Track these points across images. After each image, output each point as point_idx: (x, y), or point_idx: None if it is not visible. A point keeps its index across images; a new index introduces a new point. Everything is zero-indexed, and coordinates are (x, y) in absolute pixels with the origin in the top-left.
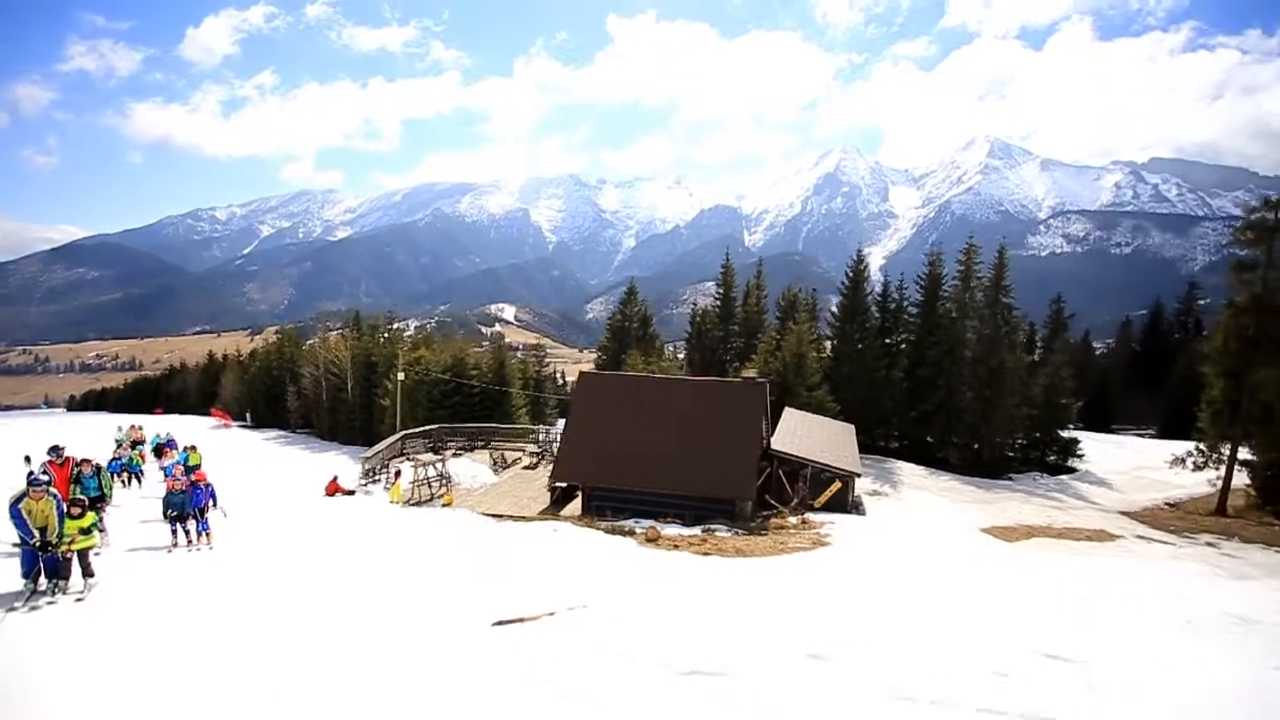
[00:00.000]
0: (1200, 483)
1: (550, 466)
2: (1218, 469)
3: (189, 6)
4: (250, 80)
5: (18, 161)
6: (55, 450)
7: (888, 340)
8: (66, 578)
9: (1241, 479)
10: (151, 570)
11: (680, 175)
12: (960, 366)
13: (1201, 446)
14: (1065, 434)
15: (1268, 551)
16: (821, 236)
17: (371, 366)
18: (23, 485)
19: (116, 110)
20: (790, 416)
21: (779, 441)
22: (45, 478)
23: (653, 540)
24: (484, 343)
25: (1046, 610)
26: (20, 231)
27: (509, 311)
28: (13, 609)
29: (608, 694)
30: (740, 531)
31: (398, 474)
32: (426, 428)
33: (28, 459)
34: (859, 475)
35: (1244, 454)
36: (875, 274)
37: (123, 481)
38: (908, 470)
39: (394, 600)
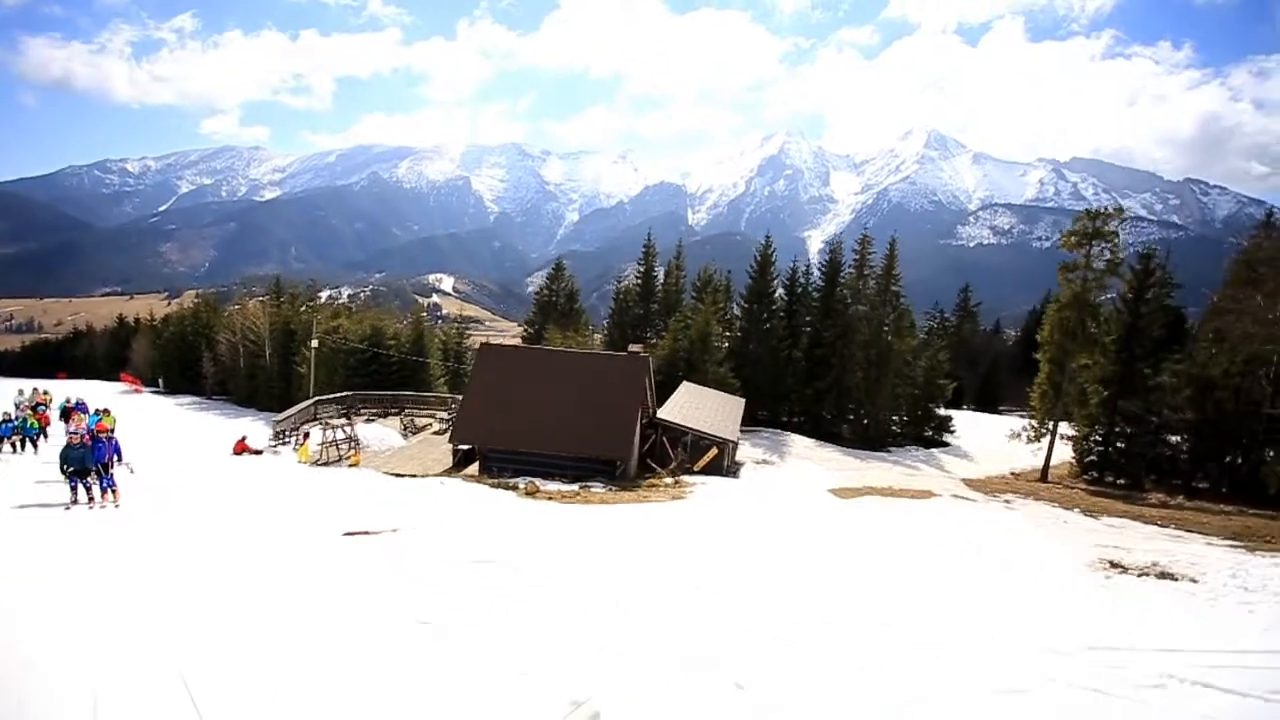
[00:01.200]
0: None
1: None
2: (1040, 442)
3: None
4: (167, 23)
5: None
6: None
7: (792, 322)
8: None
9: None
10: (43, 528)
11: (626, 150)
12: (852, 348)
13: (1032, 423)
14: (942, 412)
15: (1043, 505)
16: (764, 218)
17: (290, 334)
18: None
19: (7, 44)
20: (685, 390)
21: (666, 411)
22: None
23: (531, 494)
24: (422, 313)
25: (840, 543)
26: None
27: (447, 282)
28: None
29: (407, 575)
30: (614, 488)
31: (306, 436)
32: (341, 394)
33: None
34: (734, 443)
35: (1070, 430)
36: (814, 257)
37: (13, 445)
38: (799, 442)
39: (275, 528)
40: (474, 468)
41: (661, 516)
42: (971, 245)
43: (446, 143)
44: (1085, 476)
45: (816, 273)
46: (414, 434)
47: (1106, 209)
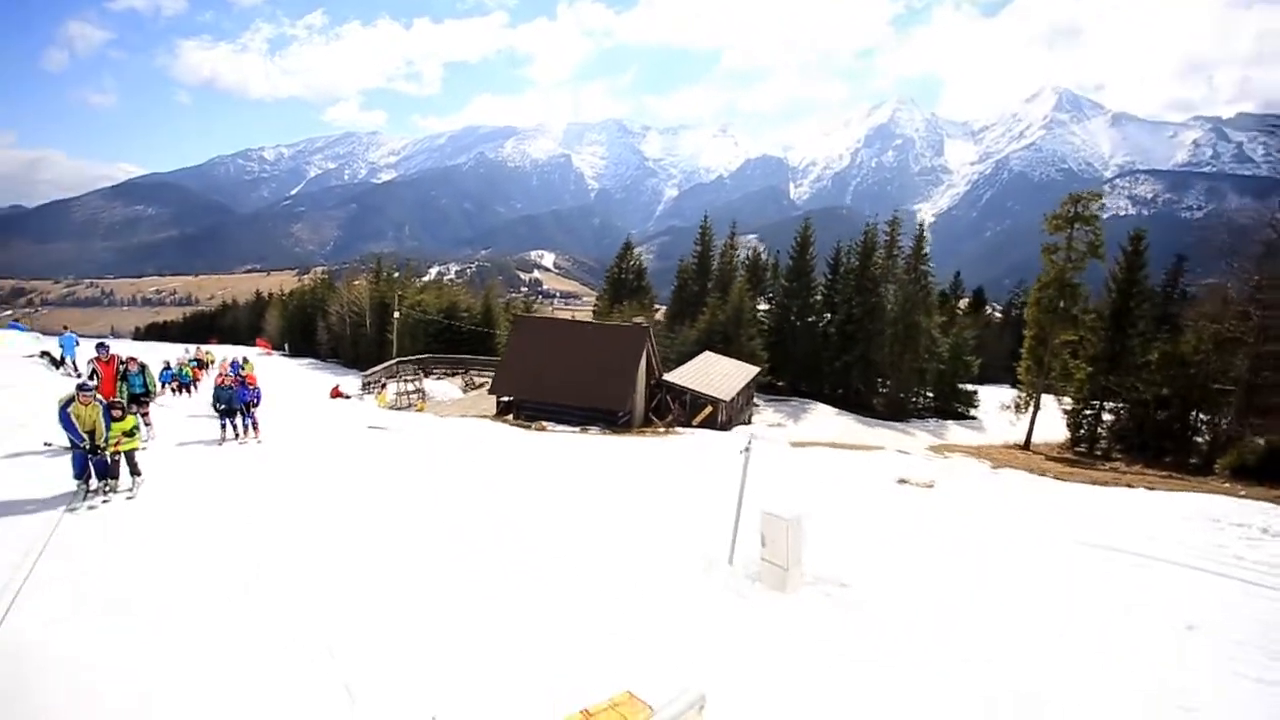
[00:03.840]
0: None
1: None
2: (1027, 413)
3: None
4: (300, 20)
5: (76, 101)
6: (102, 348)
7: (831, 299)
8: (116, 477)
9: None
10: (200, 464)
11: (726, 123)
12: (879, 324)
13: (1022, 395)
14: (969, 388)
15: (983, 463)
16: (870, 190)
17: (385, 307)
18: (72, 390)
19: (167, 49)
20: (702, 357)
21: (673, 374)
22: (93, 383)
23: (540, 430)
24: (522, 289)
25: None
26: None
27: (548, 258)
28: (71, 509)
29: (411, 456)
30: (609, 431)
31: (383, 386)
32: (418, 356)
33: (45, 354)
34: (725, 402)
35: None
36: (926, 231)
37: (172, 390)
38: (821, 410)
39: (347, 438)
40: (510, 416)
41: (620, 447)
42: (1105, 217)
43: (548, 121)
44: (1076, 449)
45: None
46: (472, 389)
47: (1088, 193)
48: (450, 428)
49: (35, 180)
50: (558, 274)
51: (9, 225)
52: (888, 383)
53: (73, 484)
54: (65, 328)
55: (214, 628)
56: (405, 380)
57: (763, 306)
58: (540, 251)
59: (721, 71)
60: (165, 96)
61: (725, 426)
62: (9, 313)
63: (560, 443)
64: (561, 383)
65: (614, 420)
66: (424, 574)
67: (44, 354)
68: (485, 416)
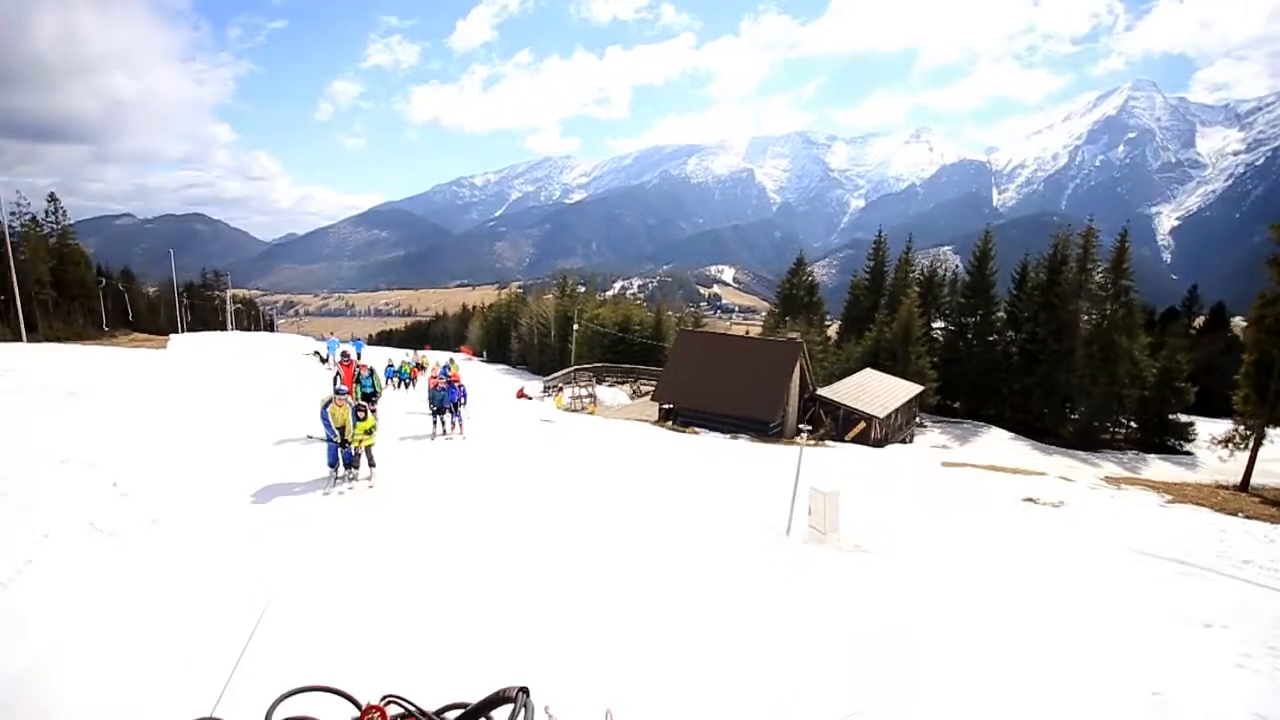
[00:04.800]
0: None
1: None
2: (1244, 448)
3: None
4: (509, 60)
5: (336, 143)
6: (346, 356)
7: (1015, 316)
8: (358, 467)
9: None
10: (418, 457)
11: (919, 129)
12: (1067, 344)
13: (1240, 429)
14: (1183, 419)
15: (1162, 496)
16: (1093, 193)
17: (567, 320)
18: (330, 393)
19: (403, 96)
20: (863, 374)
21: (828, 389)
22: (344, 389)
23: (692, 434)
24: (701, 303)
25: (913, 489)
26: (338, 200)
27: (728, 273)
28: (326, 493)
29: (575, 447)
30: (757, 440)
31: (560, 390)
32: (593, 365)
33: (315, 353)
34: (879, 418)
35: None
36: (1164, 238)
37: (393, 385)
38: (994, 434)
39: (527, 432)
40: (669, 422)
41: (756, 453)
42: None
43: (731, 137)
44: None
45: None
46: (639, 397)
47: None
48: (609, 427)
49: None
50: (737, 288)
51: (284, 251)
52: (1078, 409)
53: (325, 470)
54: (332, 333)
55: (431, 582)
56: (580, 386)
57: (938, 324)
58: (720, 266)
59: (914, 74)
60: (400, 135)
61: (879, 443)
62: (284, 321)
63: (704, 445)
64: (717, 392)
65: (764, 430)
66: (582, 528)
67: (315, 353)
68: (646, 421)
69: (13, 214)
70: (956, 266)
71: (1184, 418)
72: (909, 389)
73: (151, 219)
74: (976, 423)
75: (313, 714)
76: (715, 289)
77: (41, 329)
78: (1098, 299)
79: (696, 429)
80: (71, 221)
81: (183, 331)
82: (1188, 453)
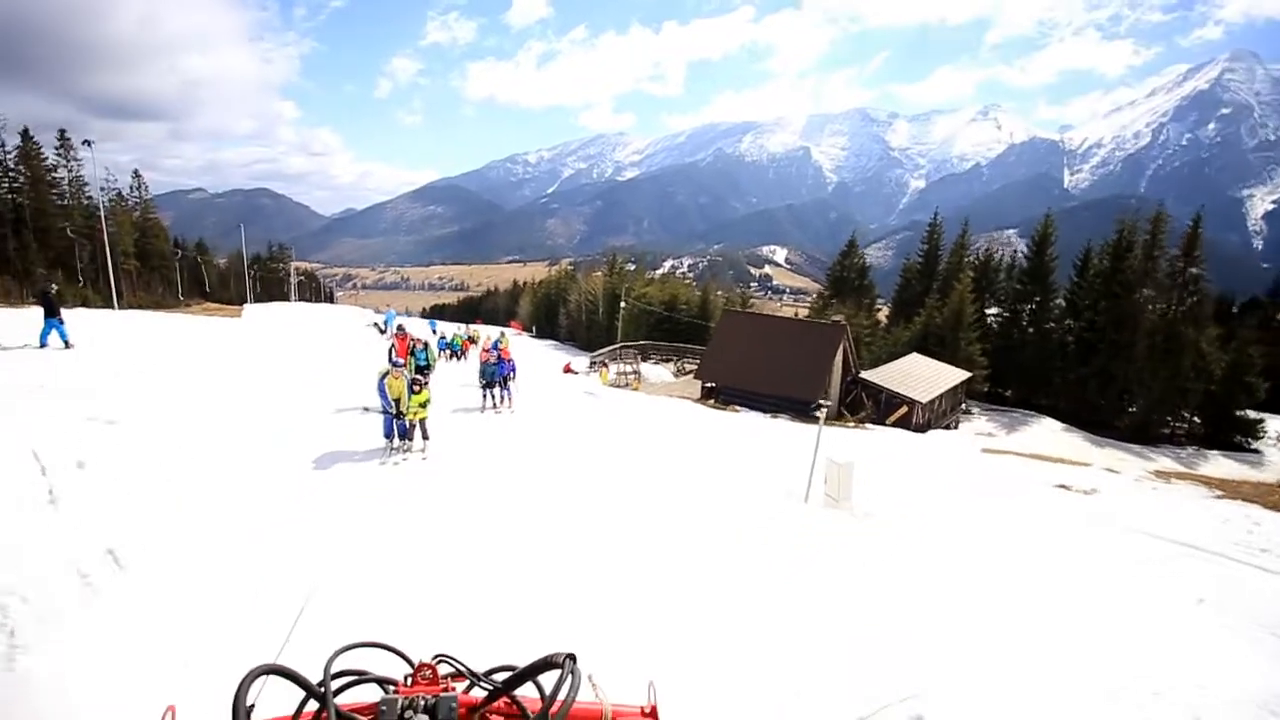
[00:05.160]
0: None
1: None
2: None
3: None
4: (565, 36)
5: (395, 120)
6: (401, 329)
7: (1077, 304)
8: (412, 439)
9: None
10: (469, 430)
11: (987, 105)
12: (1127, 334)
13: None
14: (1252, 415)
15: (1211, 492)
16: (1176, 174)
17: (615, 297)
18: (387, 365)
19: (460, 73)
20: (909, 358)
21: (871, 372)
22: (401, 361)
23: (732, 411)
24: (751, 284)
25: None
26: (395, 176)
27: (780, 254)
28: (382, 463)
29: (615, 418)
30: (796, 420)
31: (605, 366)
32: (639, 342)
33: (374, 324)
34: (922, 403)
35: None
36: (1256, 224)
37: (446, 357)
38: (1044, 424)
39: (572, 406)
40: (711, 400)
41: (790, 431)
42: None
43: (788, 115)
44: None
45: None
46: (683, 375)
47: None
48: (651, 402)
49: (364, 187)
50: (789, 269)
51: (344, 225)
52: (1136, 401)
53: (381, 441)
54: (388, 306)
55: (479, 550)
56: (625, 362)
57: (992, 310)
58: (772, 247)
59: (983, 47)
60: (456, 112)
61: (921, 428)
62: (342, 293)
63: (742, 422)
64: (759, 372)
65: (805, 410)
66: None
67: (373, 324)
68: (687, 398)
69: (102, 189)
70: (1014, 251)
71: (1253, 414)
72: (955, 375)
73: (221, 193)
74: (1027, 412)
75: (368, 668)
76: (767, 269)
77: (126, 297)
78: (1164, 287)
79: (737, 407)
80: (151, 196)
81: (252, 302)
82: (1255, 450)
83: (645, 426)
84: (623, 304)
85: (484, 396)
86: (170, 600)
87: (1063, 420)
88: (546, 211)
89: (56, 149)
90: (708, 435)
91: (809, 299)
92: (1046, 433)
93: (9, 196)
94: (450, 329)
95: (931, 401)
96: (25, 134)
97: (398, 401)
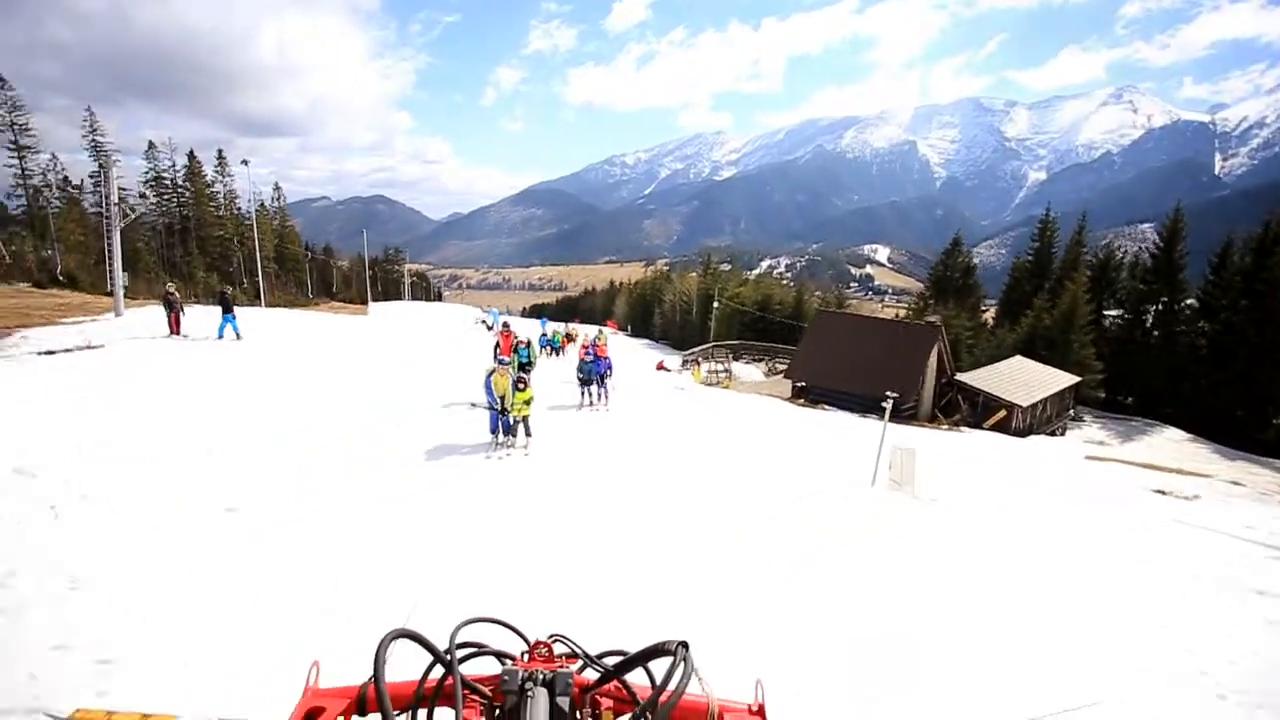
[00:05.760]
0: None
1: None
2: None
3: None
4: (664, 37)
5: (498, 127)
6: (506, 326)
7: (1209, 303)
8: (515, 435)
9: None
10: (567, 426)
11: (1121, 87)
12: (1276, 337)
13: None
14: None
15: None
16: None
17: (709, 297)
18: (494, 363)
19: (560, 79)
20: (1011, 361)
21: (968, 374)
22: (506, 359)
23: (820, 410)
24: (851, 283)
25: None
26: (498, 180)
27: (882, 253)
28: (487, 457)
29: (706, 412)
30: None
31: (697, 364)
32: (731, 342)
33: (481, 321)
34: (1022, 407)
35: None
36: None
37: (547, 354)
38: (1166, 434)
39: (666, 402)
40: (800, 399)
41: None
42: None
43: (893, 108)
44: None
45: None
46: (774, 375)
47: None
48: (740, 400)
49: (470, 192)
50: (891, 269)
51: (451, 229)
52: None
53: (486, 437)
54: (490, 306)
55: (579, 538)
56: (717, 361)
57: (1112, 312)
58: (874, 245)
59: (1117, 23)
60: (556, 117)
61: (1021, 433)
62: (449, 293)
63: (827, 420)
64: (849, 372)
65: (896, 411)
66: (706, 486)
67: (481, 321)
68: (777, 397)
69: (251, 200)
70: (1143, 247)
71: None
72: (1062, 379)
73: (342, 201)
74: (1148, 420)
75: (485, 641)
76: (868, 269)
77: (265, 296)
78: None
79: (826, 406)
80: (286, 204)
81: (373, 301)
82: None
83: (732, 422)
84: (715, 304)
85: (582, 394)
86: (301, 543)
87: (1188, 430)
88: (643, 212)
89: (215, 167)
90: (792, 431)
91: (911, 299)
92: (1167, 442)
93: (177, 209)
94: (553, 327)
95: (1033, 406)
96: (191, 155)
97: (503, 398)
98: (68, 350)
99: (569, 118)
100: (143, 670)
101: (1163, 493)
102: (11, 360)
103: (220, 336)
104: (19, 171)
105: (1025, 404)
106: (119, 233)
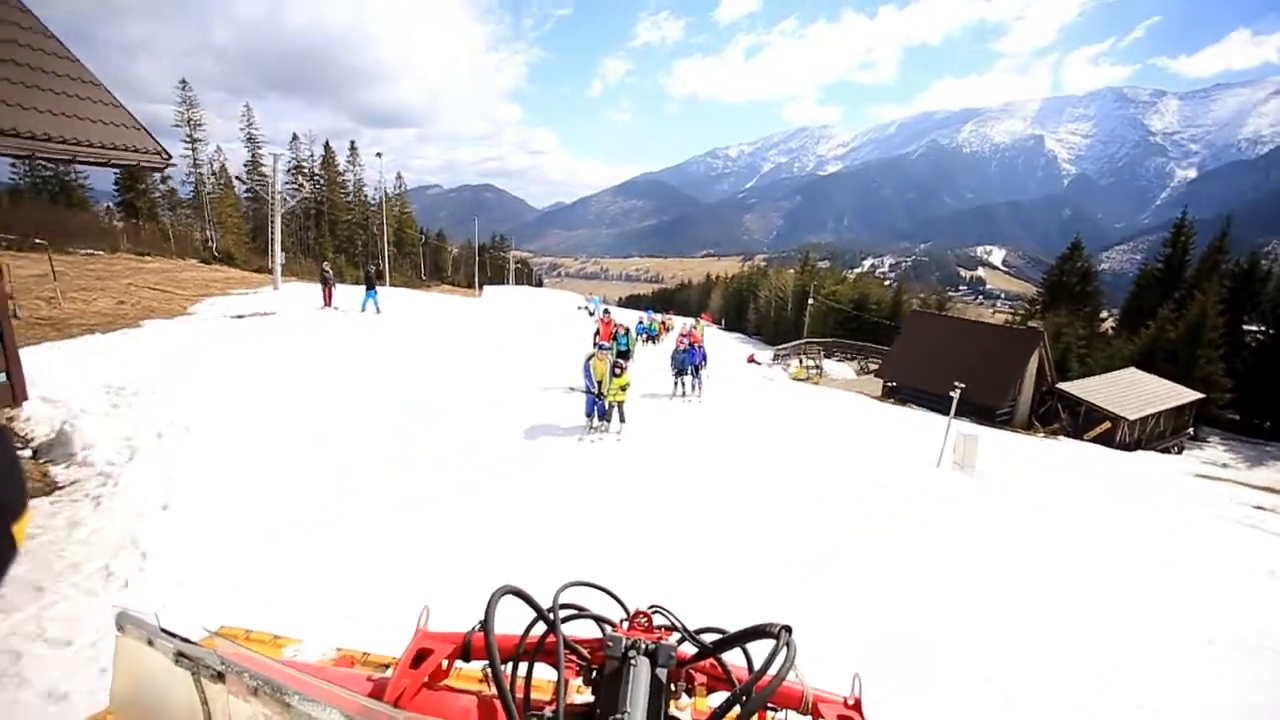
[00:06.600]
0: None
1: None
2: None
3: None
4: (775, 27)
5: (603, 119)
6: (606, 313)
7: None
8: (609, 420)
9: None
10: (660, 415)
11: None
12: None
13: None
14: None
15: None
16: None
17: (805, 294)
18: (593, 348)
19: (666, 71)
20: (1123, 373)
21: (1072, 384)
22: (606, 345)
23: (908, 409)
24: (960, 286)
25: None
26: (601, 171)
27: (997, 255)
28: (580, 439)
29: (792, 404)
30: (977, 424)
31: (787, 360)
32: (824, 339)
33: (584, 308)
34: (1128, 420)
35: None
36: None
37: (642, 341)
38: None
39: (755, 403)
40: (891, 399)
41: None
42: None
43: (1018, 100)
44: None
45: None
46: (865, 374)
47: None
48: (828, 395)
49: (573, 183)
50: (1006, 272)
51: (553, 218)
52: None
53: (582, 420)
54: (592, 294)
55: (670, 523)
56: (809, 357)
57: (1253, 327)
58: (988, 247)
59: None
60: (660, 109)
61: (1128, 447)
62: (549, 280)
63: (912, 417)
64: (942, 374)
65: (989, 415)
66: (788, 472)
67: (583, 308)
68: (866, 395)
69: (375, 188)
70: None
71: None
72: (1180, 394)
73: (453, 189)
74: None
75: (587, 605)
76: (979, 271)
77: (388, 278)
78: None
79: (914, 406)
80: (406, 191)
81: (484, 285)
82: None
83: (819, 417)
84: (811, 301)
85: (675, 384)
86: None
87: None
88: (744, 206)
89: (347, 157)
90: (876, 426)
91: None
92: None
93: (311, 195)
94: (649, 316)
95: (1142, 420)
96: (326, 145)
97: (600, 383)
98: (252, 315)
99: (673, 110)
100: (268, 601)
101: (1260, 508)
102: (210, 322)
103: (363, 309)
104: (192, 161)
105: (1132, 417)
106: (279, 217)
